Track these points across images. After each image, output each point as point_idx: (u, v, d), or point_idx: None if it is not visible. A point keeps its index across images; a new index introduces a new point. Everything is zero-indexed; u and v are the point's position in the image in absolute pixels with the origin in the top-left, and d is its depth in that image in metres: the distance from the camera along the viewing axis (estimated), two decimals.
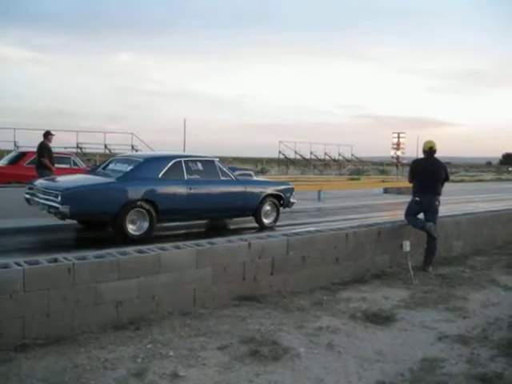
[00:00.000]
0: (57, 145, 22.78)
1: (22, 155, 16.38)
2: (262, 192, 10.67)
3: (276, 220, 10.91)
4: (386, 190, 24.48)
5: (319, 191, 19.86)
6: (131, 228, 8.63)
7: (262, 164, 55.95)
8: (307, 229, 8.08)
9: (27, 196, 9.35)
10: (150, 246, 6.05)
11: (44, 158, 12.61)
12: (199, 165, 9.94)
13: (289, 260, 6.66)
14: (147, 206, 8.72)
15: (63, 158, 16.80)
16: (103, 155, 36.38)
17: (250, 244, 6.33)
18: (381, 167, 61.59)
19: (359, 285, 7.08)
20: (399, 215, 13.08)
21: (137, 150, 38.37)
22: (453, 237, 9.46)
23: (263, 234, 7.23)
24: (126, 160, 10.03)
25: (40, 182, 9.38)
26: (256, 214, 10.58)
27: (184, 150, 40.58)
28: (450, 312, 6.05)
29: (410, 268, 7.38)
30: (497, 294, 6.99)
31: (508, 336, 5.30)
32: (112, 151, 38.48)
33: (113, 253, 5.55)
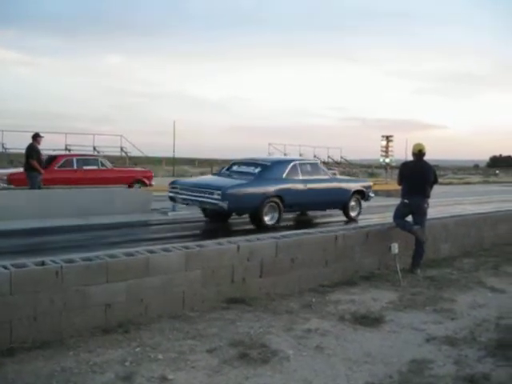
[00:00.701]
0: (46, 147, 22.77)
1: (52, 159, 17.08)
2: (351, 188, 12.75)
3: (359, 213, 12.76)
4: (375, 193, 24.54)
5: None
6: (266, 218, 10.64)
7: None
8: (297, 231, 8.10)
9: (171, 194, 11.47)
10: (139, 249, 6.04)
11: (33, 160, 12.57)
12: (308, 166, 12.18)
13: (278, 262, 6.67)
14: (277, 201, 10.77)
15: (91, 160, 18.17)
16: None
17: (238, 247, 6.33)
18: (370, 170, 61.74)
19: (348, 287, 7.09)
20: (388, 217, 13.15)
21: (126, 153, 38.24)
22: (441, 239, 9.51)
23: (252, 237, 7.22)
24: (251, 163, 11.84)
25: (190, 182, 11.90)
26: (345, 206, 12.57)
27: (174, 151, 40.45)
28: (438, 314, 6.09)
29: (399, 270, 7.41)
30: (484, 295, 7.03)
31: (495, 337, 5.34)
32: (101, 153, 38.24)
33: (101, 255, 5.54)
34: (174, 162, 41.15)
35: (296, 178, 11.44)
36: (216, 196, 10.13)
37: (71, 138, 36.72)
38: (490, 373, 4.46)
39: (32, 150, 12.74)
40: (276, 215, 10.81)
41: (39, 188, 12.65)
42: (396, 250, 7.54)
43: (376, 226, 8.71)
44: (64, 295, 4.96)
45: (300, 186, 11.40)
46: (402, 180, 8.63)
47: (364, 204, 13.13)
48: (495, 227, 11.36)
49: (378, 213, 15.71)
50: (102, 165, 17.97)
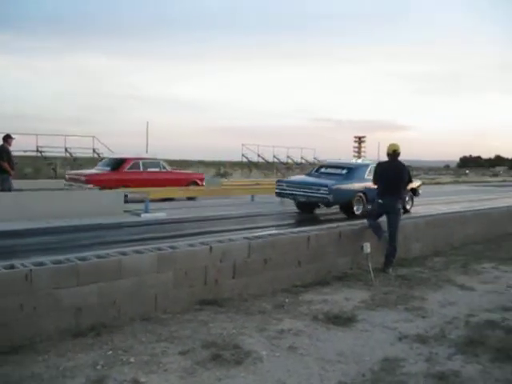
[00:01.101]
0: (17, 148, 22.47)
1: (122, 161, 18.32)
2: (416, 187, 15.28)
3: (412, 206, 14.88)
4: None
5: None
6: (355, 209, 13.28)
7: (225, 167, 55.87)
8: (270, 232, 8.11)
9: (278, 191, 14.20)
10: (111, 251, 5.99)
11: (3, 162, 12.39)
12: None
13: (250, 263, 6.67)
14: (362, 196, 13.41)
15: (155, 163, 19.59)
16: (64, 159, 35.77)
17: (211, 248, 6.31)
18: None
19: (321, 287, 7.13)
20: (360, 217, 13.26)
21: (99, 154, 37.88)
22: (412, 239, 9.62)
23: (224, 238, 7.21)
24: (338, 166, 14.71)
25: (294, 181, 14.41)
26: (403, 201, 13.92)
27: (146, 152, 40.21)
28: (410, 312, 6.16)
29: (371, 269, 7.48)
30: (454, 293, 7.14)
31: (465, 334, 5.42)
32: (73, 155, 37.84)
33: (72, 258, 5.47)
34: None
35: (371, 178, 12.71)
36: (323, 191, 12.94)
37: (43, 140, 36.13)
38: (459, 369, 4.53)
39: (2, 152, 12.55)
40: (361, 207, 13.51)
41: (9, 190, 12.46)
42: (368, 250, 7.61)
43: (348, 226, 8.76)
44: (34, 299, 4.88)
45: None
46: (376, 180, 8.70)
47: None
48: (464, 226, 11.55)
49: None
50: (163, 167, 19.65)
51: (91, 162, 36.70)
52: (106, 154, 38.24)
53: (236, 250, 6.58)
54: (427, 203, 20.53)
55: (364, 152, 31.21)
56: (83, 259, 5.46)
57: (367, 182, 12.92)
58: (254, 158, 57.86)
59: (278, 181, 14.84)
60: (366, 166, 14.53)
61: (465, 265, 8.98)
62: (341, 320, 5.73)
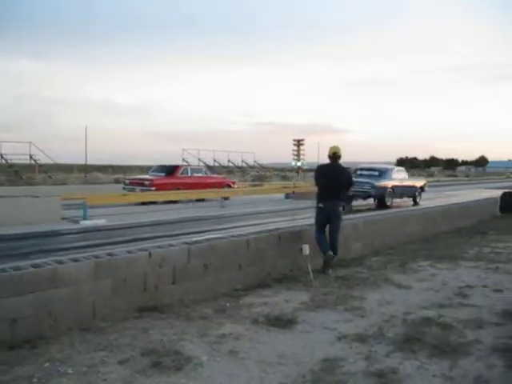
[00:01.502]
0: None
1: (175, 168, 22.60)
2: (418, 185, 22.49)
3: (420, 199, 21.78)
4: (287, 196, 25.02)
5: (221, 198, 19.99)
6: (387, 200, 19.21)
7: None
8: (209, 236, 8.08)
9: None
10: (47, 260, 5.83)
11: None
12: (401, 171, 22.12)
13: (190, 268, 6.62)
14: (391, 191, 19.38)
15: (199, 169, 24.71)
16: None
17: (150, 254, 6.23)
18: (283, 173, 62.79)
19: (261, 289, 7.15)
20: (300, 219, 13.43)
21: (36, 160, 37.06)
22: (351, 239, 9.78)
23: (164, 244, 7.14)
24: (371, 169, 20.92)
25: None
26: (414, 195, 21.91)
27: (86, 158, 39.48)
28: (349, 312, 6.24)
29: (310, 271, 7.55)
30: (392, 292, 7.29)
31: (402, 332, 5.54)
32: (9, 161, 36.80)
33: (6, 268, 5.28)
34: (86, 169, 40.18)
35: (396, 178, 20.73)
36: (367, 187, 18.66)
37: None
38: (397, 366, 4.61)
39: None
40: (390, 199, 19.39)
41: None
42: (307, 251, 7.67)
43: (288, 229, 8.84)
44: None
45: (399, 183, 20.70)
46: (317, 183, 8.70)
47: (273, 208, 13.58)
48: (402, 226, 11.85)
49: (290, 215, 16.04)
50: (205, 173, 24.17)
51: (29, 168, 35.75)
52: (44, 160, 37.43)
53: (175, 256, 6.51)
54: (366, 204, 21.04)
55: (303, 155, 31.63)
56: (18, 269, 5.28)
57: (394, 181, 19.92)
58: (195, 163, 57.75)
59: None
60: (392, 169, 21.30)
61: (402, 264, 9.19)
62: (281, 322, 5.75)
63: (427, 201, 22.12)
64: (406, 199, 22.27)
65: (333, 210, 8.35)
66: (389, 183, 19.57)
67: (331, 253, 8.21)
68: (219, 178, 25.87)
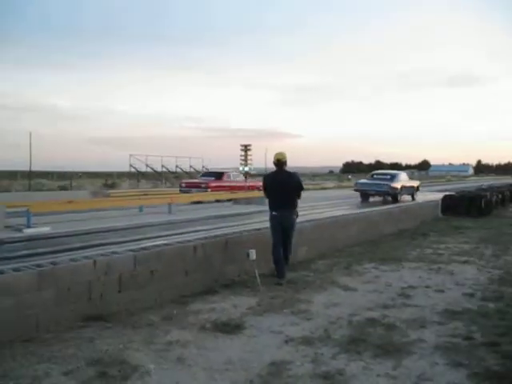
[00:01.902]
0: None
1: (222, 173, 27.54)
2: (415, 185, 27.34)
3: (416, 196, 26.62)
4: (235, 201, 25.02)
5: (170, 204, 19.81)
6: (398, 197, 24.10)
7: (112, 178, 54.67)
8: (156, 243, 8.00)
9: (355, 188, 25.98)
10: None
11: None
12: (407, 174, 29.00)
13: (137, 275, 6.53)
14: (400, 190, 24.48)
15: (238, 175, 29.82)
16: None
17: (95, 262, 6.12)
18: None
19: (209, 295, 7.12)
20: (247, 224, 13.45)
21: None
22: (298, 243, 9.82)
23: (108, 251, 7.03)
24: (384, 173, 26.77)
25: (366, 183, 25.49)
26: (413, 193, 26.48)
27: (30, 164, 38.49)
28: (296, 315, 6.29)
29: (257, 275, 7.57)
30: (338, 294, 7.40)
31: (348, 333, 5.63)
32: None
33: None
34: (29, 175, 39.17)
35: (403, 180, 25.77)
36: (385, 187, 23.83)
37: None
38: (343, 368, 4.69)
39: None
40: (400, 196, 24.43)
41: None
42: (254, 256, 7.69)
43: (235, 234, 8.84)
44: None
45: (404, 184, 25.54)
46: (265, 192, 8.53)
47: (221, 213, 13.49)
48: (347, 229, 12.03)
49: (237, 221, 16.03)
50: (242, 178, 29.25)
51: None
52: None
53: (121, 263, 6.42)
54: (312, 208, 21.24)
55: (250, 160, 31.70)
56: None
57: (401, 182, 25.11)
58: (143, 168, 57.16)
59: (355, 183, 27.37)
60: (399, 174, 27.03)
61: (348, 266, 9.34)
62: (229, 328, 5.75)
63: (371, 205, 22.56)
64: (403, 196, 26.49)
65: (286, 219, 8.21)
66: (398, 184, 24.72)
67: (283, 281, 7.96)
68: (254, 181, 30.38)
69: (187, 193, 24.07)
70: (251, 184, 28.60)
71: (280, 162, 8.28)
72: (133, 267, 6.51)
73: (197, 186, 26.07)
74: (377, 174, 27.04)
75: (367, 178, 27.05)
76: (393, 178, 25.49)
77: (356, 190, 25.64)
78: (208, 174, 29.48)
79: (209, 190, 24.85)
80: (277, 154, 8.33)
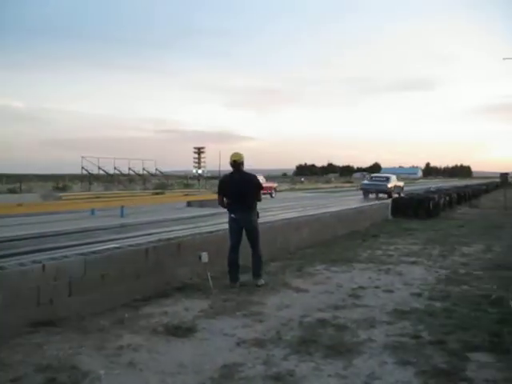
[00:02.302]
0: None
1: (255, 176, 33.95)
2: (401, 185, 39.75)
3: (402, 193, 33.02)
4: (189, 204, 24.95)
5: (122, 207, 19.62)
6: (393, 194, 31.95)
7: (64, 181, 53.72)
8: (107, 246, 7.91)
9: (360, 187, 38.96)
10: None
11: None
12: (397, 177, 45.23)
13: (87, 280, 6.43)
14: (394, 189, 35.15)
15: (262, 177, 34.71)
16: None
17: (44, 266, 5.99)
18: (185, 181, 62.52)
19: (161, 299, 7.07)
20: (201, 227, 13.44)
21: None
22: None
23: (58, 255, 6.91)
24: (381, 176, 41.07)
25: (368, 183, 37.66)
26: (400, 192, 34.17)
27: None
28: (248, 317, 6.31)
29: (210, 278, 7.56)
30: (290, 296, 7.45)
31: (299, 334, 5.68)
32: None
33: None
34: None
35: (394, 181, 36.53)
36: (383, 187, 34.60)
37: None
38: (294, 369, 4.73)
39: None
40: (395, 193, 30.97)
41: None
42: (206, 259, 7.67)
43: (187, 237, 8.80)
44: None
45: (395, 184, 36.09)
46: (221, 195, 8.30)
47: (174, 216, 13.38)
48: (299, 231, 12.14)
49: (191, 223, 16.01)
50: (263, 179, 32.57)
51: None
52: None
53: (71, 267, 6.31)
54: (264, 210, 21.36)
55: (204, 163, 31.57)
56: None
57: (393, 183, 35.25)
58: (95, 171, 56.38)
59: (361, 183, 39.69)
60: (391, 176, 36.88)
61: (300, 268, 9.42)
62: (181, 331, 5.73)
63: (322, 206, 22.85)
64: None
65: (245, 220, 8.09)
66: (392, 184, 34.77)
67: (235, 285, 7.89)
68: (272, 183, 38.02)
69: None
70: (269, 185, 34.88)
71: (236, 163, 8.14)
72: (83, 271, 6.40)
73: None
74: (375, 177, 39.65)
75: (368, 179, 39.67)
76: (387, 179, 36.65)
77: (361, 189, 37.53)
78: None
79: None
80: (233, 155, 8.18)
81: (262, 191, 8.50)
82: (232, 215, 8.14)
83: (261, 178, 41.09)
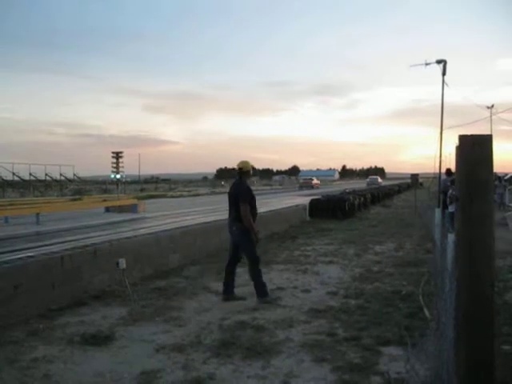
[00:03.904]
0: None
1: (311, 179, 69.94)
2: (382, 181, 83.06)
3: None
4: (107, 209, 24.46)
5: (38, 214, 19.03)
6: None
7: None
8: (20, 255, 7.64)
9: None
10: None
11: None
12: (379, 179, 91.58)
13: None
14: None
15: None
16: None
17: None
18: (104, 186, 61.16)
19: (78, 308, 6.91)
20: (119, 233, 13.23)
21: None
22: (169, 250, 9.83)
23: None
24: (374, 177, 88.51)
25: (369, 181, 79.28)
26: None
27: None
28: (167, 323, 6.29)
29: (128, 285, 7.45)
30: (209, 299, 7.49)
31: (218, 338, 5.72)
32: None
33: None
34: None
35: (380, 179, 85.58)
36: (377, 183, 74.42)
37: None
38: (214, 372, 4.78)
39: None
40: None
41: None
42: (124, 265, 7.55)
43: (105, 243, 8.64)
44: None
45: (317, 182, 71.04)
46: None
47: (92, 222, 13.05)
48: (219, 234, 12.14)
49: (109, 229, 15.70)
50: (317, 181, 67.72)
51: None
52: None
53: None
54: (185, 215, 21.31)
55: (122, 167, 30.95)
56: None
57: (380, 180, 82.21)
58: (9, 177, 54.22)
59: (300, 182, 69.96)
60: (378, 178, 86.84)
61: (219, 271, 9.37)
62: (98, 340, 5.63)
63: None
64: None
65: (232, 232, 7.70)
66: (315, 182, 65.81)
67: (225, 297, 7.51)
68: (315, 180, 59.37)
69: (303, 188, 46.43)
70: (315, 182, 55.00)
71: (241, 171, 7.69)
72: None
73: (307, 184, 63.66)
74: (370, 177, 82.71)
75: (367, 184, 67.41)
76: (377, 178, 78.12)
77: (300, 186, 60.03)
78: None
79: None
80: (240, 163, 7.74)
81: (244, 205, 7.47)
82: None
83: (314, 180, 68.60)
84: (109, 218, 20.80)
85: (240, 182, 7.69)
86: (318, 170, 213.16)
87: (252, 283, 7.61)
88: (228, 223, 7.80)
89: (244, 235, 7.53)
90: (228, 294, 7.56)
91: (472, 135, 2.54)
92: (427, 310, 6.33)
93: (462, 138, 2.55)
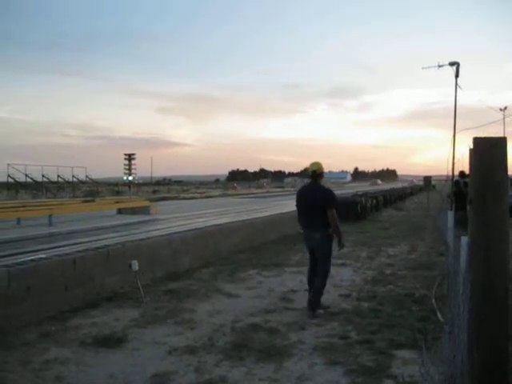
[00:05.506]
0: None
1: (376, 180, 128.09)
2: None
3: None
4: (119, 211, 24.54)
5: (50, 216, 19.14)
6: None
7: None
8: (33, 257, 7.67)
9: None
10: None
11: None
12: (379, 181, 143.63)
13: (11, 292, 6.22)
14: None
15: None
16: None
17: None
18: (116, 188, 61.48)
19: (90, 310, 6.92)
20: (132, 235, 13.26)
21: None
22: (181, 252, 9.83)
23: None
24: (375, 181, 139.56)
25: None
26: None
27: None
28: (179, 325, 6.29)
29: (140, 287, 7.46)
30: (221, 302, 7.47)
31: (231, 340, 5.71)
32: None
33: None
34: None
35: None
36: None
37: None
38: (226, 374, 4.76)
39: None
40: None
41: None
42: (136, 267, 7.56)
43: (117, 245, 8.66)
44: None
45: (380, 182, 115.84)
46: (297, 209, 7.54)
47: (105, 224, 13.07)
48: (230, 237, 12.18)
49: (122, 231, 15.74)
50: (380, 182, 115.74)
51: None
52: None
53: None
54: (197, 217, 21.33)
55: (135, 169, 31.07)
56: None
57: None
58: (22, 179, 54.68)
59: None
60: (377, 180, 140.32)
61: (231, 273, 9.45)
62: (111, 342, 5.63)
63: (255, 212, 22.98)
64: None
65: (311, 239, 7.20)
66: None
67: (310, 294, 7.12)
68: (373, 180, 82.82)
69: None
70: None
71: (315, 174, 7.31)
72: (7, 283, 6.19)
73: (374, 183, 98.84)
74: (372, 180, 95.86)
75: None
76: (377, 181, 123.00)
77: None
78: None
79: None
80: (312, 165, 7.36)
81: (332, 210, 7.07)
82: (301, 230, 7.48)
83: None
84: (121, 219, 20.85)
85: (318, 186, 7.32)
86: (329, 172, 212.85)
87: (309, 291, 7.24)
88: (304, 231, 7.30)
89: (328, 242, 7.16)
90: (315, 307, 6.95)
91: (487, 138, 2.52)
92: (440, 313, 6.29)
93: (477, 140, 2.53)
